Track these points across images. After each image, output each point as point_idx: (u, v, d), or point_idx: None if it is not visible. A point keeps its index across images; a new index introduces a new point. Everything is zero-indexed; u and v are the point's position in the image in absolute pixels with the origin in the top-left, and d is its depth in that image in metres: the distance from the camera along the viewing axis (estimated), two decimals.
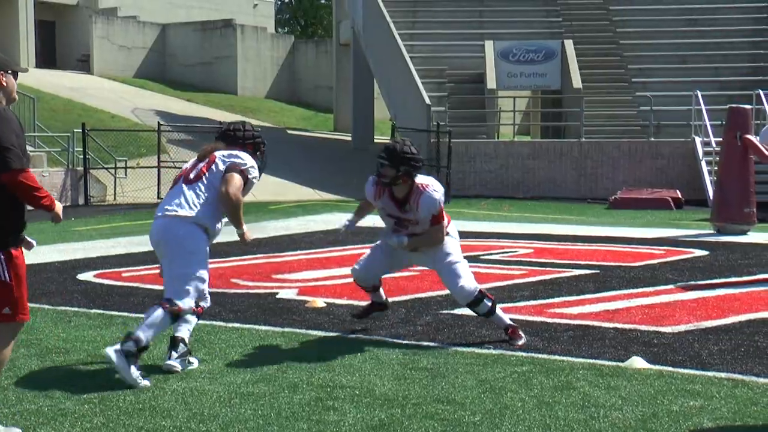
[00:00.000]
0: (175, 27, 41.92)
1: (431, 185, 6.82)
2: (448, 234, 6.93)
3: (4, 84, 4.76)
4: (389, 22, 27.00)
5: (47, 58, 39.84)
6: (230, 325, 7.51)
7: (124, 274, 10.18)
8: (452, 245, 6.93)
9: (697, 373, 5.97)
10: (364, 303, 8.34)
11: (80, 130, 22.29)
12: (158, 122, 24.07)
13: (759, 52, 28.35)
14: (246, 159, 6.54)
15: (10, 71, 4.80)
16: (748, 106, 15.17)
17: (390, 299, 8.47)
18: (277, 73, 43.26)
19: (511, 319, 7.03)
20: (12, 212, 4.72)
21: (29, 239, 4.89)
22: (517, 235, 14.15)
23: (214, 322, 7.60)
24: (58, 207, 4.91)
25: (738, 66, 27.77)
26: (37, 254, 11.82)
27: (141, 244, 13.13)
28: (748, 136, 14.34)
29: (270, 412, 5.14)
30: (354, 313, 7.54)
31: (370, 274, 7.09)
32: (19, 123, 4.80)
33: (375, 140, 33.15)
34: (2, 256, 4.66)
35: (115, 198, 22.05)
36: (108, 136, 24.17)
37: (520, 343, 6.73)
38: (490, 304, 6.78)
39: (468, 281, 6.74)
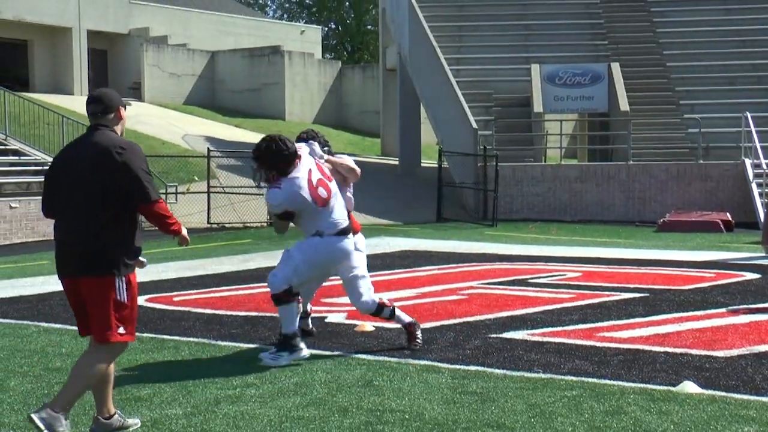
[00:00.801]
0: (223, 54, 42.38)
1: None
2: (356, 246, 7.32)
3: (123, 117, 5.34)
4: (435, 46, 27.07)
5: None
6: None
7: (175, 299, 10.27)
8: (360, 259, 7.32)
9: (752, 398, 5.87)
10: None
11: None
12: (208, 148, 24.32)
13: None
14: None
15: (124, 106, 5.35)
16: None
17: (439, 323, 8.48)
18: (324, 99, 43.52)
19: (560, 344, 6.97)
20: (134, 238, 5.21)
21: (141, 258, 5.31)
22: (566, 258, 14.06)
23: (265, 346, 7.62)
24: (184, 231, 5.46)
25: None
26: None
27: (191, 268, 13.26)
28: None
29: None
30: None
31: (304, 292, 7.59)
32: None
33: (422, 164, 33.17)
34: (124, 279, 5.11)
35: None
36: (159, 162, 24.47)
37: (418, 336, 7.37)
38: (390, 310, 7.32)
39: (369, 295, 7.25)
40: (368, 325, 8.35)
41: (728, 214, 21.17)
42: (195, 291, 10.83)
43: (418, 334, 7.46)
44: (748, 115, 22.96)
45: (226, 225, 21.65)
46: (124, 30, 40.67)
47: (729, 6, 30.66)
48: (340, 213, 7.09)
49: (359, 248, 7.42)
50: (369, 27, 61.85)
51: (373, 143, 40.04)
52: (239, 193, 22.89)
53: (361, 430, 5.23)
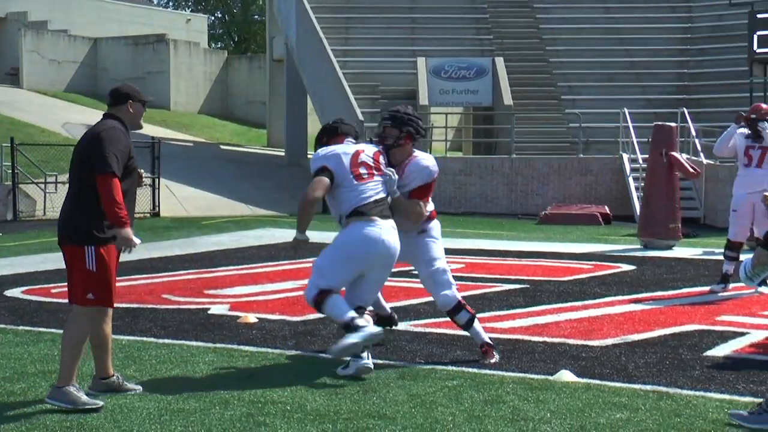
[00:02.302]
0: (106, 41, 41.43)
1: (427, 156, 6.75)
2: (429, 233, 6.74)
3: (134, 111, 5.79)
4: (322, 38, 27.02)
5: None
6: (161, 341, 7.42)
7: (53, 290, 10.01)
8: (439, 249, 6.77)
9: (624, 385, 6.06)
10: (297, 318, 8.33)
11: (9, 144, 21.89)
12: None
13: (684, 71, 29.00)
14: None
15: (138, 101, 5.81)
16: (673, 124, 15.49)
17: (323, 315, 8.46)
18: (210, 89, 42.98)
19: (441, 334, 7.04)
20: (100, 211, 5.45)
21: (136, 239, 5.52)
22: (449, 250, 14.15)
23: (145, 338, 7.50)
24: (128, 233, 5.49)
25: (664, 84, 28.37)
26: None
27: (60, 260, 12.91)
28: (674, 153, 14.67)
29: (201, 429, 5.09)
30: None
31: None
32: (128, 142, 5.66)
33: (308, 155, 33.09)
34: (94, 249, 5.47)
35: (44, 213, 21.67)
36: (38, 151, 23.78)
37: (492, 361, 6.60)
38: (468, 315, 6.69)
39: (451, 291, 6.69)
40: (251, 317, 8.30)
41: (606, 208, 21.76)
42: None
43: (494, 352, 6.73)
44: (626, 111, 23.63)
45: None
46: (1, 13, 39.40)
47: (610, 5, 31.50)
48: (373, 194, 6.40)
49: (435, 236, 6.80)
50: (256, 17, 61.31)
51: (260, 134, 39.75)
52: None
53: (243, 422, 5.20)
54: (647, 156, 16.36)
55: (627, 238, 16.82)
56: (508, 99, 25.52)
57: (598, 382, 6.14)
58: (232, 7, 63.21)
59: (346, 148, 6.55)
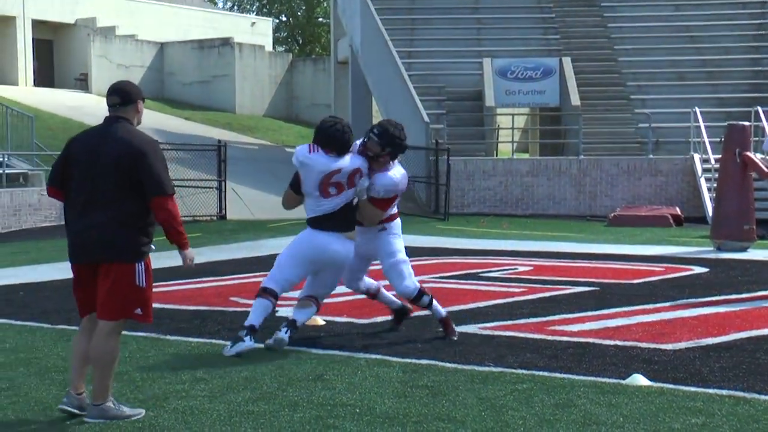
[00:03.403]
0: (173, 45, 42.03)
1: (399, 172, 7.27)
2: (390, 230, 7.38)
3: (141, 110, 5.64)
4: (387, 39, 27.07)
5: (45, 77, 39.91)
6: (229, 343, 7.49)
7: None
8: (398, 244, 7.41)
9: (699, 390, 5.97)
10: (364, 320, 8.37)
11: None
12: (156, 140, 24.09)
13: (758, 68, 28.44)
14: None
15: (142, 99, 5.65)
16: (746, 123, 15.22)
17: (390, 317, 8.49)
18: (275, 92, 43.33)
19: (511, 337, 7.04)
20: (151, 226, 5.49)
21: (151, 245, 5.53)
22: (517, 252, 14.16)
23: (214, 341, 7.60)
24: (191, 252, 5.65)
25: (737, 83, 27.84)
26: (36, 272, 11.85)
27: None
28: (747, 153, 14.42)
29: (270, 431, 5.14)
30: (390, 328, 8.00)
31: (351, 282, 7.70)
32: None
33: None
34: (143, 264, 5.42)
35: None
36: None
37: (454, 338, 7.42)
38: (429, 297, 7.47)
39: (411, 281, 7.38)
40: (319, 319, 8.35)
41: (677, 209, 21.45)
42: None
43: (453, 327, 7.60)
44: (697, 110, 23.27)
45: None
46: (71, 20, 40.18)
47: (679, 2, 31.05)
48: (332, 208, 7.12)
49: (396, 232, 7.43)
50: (320, 19, 61.66)
51: None
52: (189, 186, 22.71)
53: (312, 425, 5.24)
54: (719, 156, 16.09)
55: (699, 240, 16.56)
56: (575, 99, 25.28)
57: (671, 386, 6.06)
58: (296, 9, 63.67)
59: (328, 164, 7.01)
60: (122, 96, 5.54)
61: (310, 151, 7.07)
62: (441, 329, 7.59)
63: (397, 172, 7.24)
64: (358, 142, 7.27)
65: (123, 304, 5.39)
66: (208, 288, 10.60)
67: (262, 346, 7.13)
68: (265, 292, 7.16)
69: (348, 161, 7.08)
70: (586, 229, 19.25)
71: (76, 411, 5.41)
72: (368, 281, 7.78)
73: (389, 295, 7.87)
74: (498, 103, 26.34)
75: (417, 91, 25.18)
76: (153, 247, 5.52)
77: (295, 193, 7.24)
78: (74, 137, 5.63)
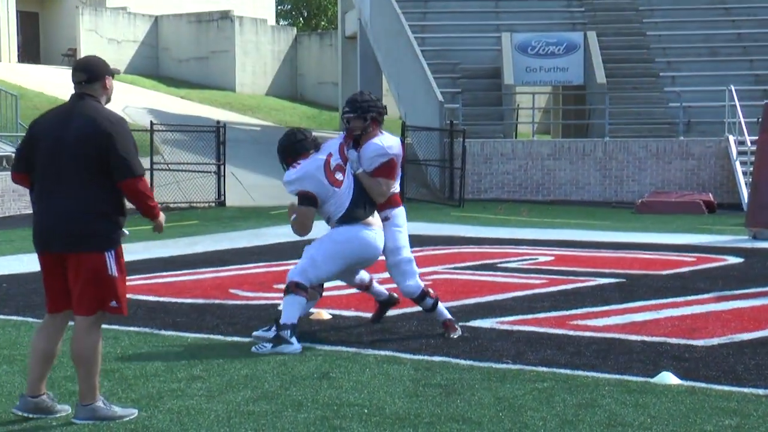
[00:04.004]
0: (168, 19, 42.02)
1: (385, 138, 7.42)
2: (394, 221, 7.37)
3: (109, 86, 5.52)
4: (399, 13, 27.03)
5: (30, 53, 39.96)
6: (229, 339, 7.53)
7: None
8: (403, 238, 7.41)
9: (733, 389, 5.97)
10: (371, 314, 8.37)
11: None
12: (151, 121, 24.15)
13: None
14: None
15: (111, 75, 5.56)
16: None
17: (401, 311, 8.50)
18: (278, 69, 43.31)
19: (530, 332, 7.05)
20: (121, 212, 5.41)
21: (124, 230, 5.47)
22: (537, 241, 14.15)
23: (212, 336, 7.62)
24: (162, 217, 5.59)
25: None
26: (22, 263, 11.89)
27: (133, 251, 13.14)
28: None
29: None
30: (371, 319, 8.04)
31: (347, 276, 7.70)
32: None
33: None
34: (114, 253, 5.34)
35: None
36: None
37: (455, 335, 7.40)
38: (432, 300, 7.46)
39: (415, 281, 7.39)
40: (325, 313, 8.37)
41: (710, 195, 21.42)
42: (137, 276, 10.76)
43: (456, 326, 7.57)
44: (732, 88, 23.19)
45: (171, 205, 21.53)
46: None
47: None
48: (358, 200, 7.26)
49: (399, 224, 7.44)
50: None
51: (331, 117, 39.95)
52: (185, 171, 22.77)
53: (317, 426, 5.25)
54: (756, 138, 16.03)
55: (734, 228, 16.53)
56: (601, 77, 25.22)
57: (703, 385, 6.06)
58: None
59: (317, 163, 7.21)
60: (88, 72, 5.47)
61: (293, 167, 7.26)
62: (443, 331, 7.52)
63: (383, 139, 7.37)
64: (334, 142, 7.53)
65: (97, 297, 5.35)
66: (206, 279, 10.62)
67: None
68: (298, 288, 7.15)
69: (329, 145, 7.45)
70: (611, 217, 19.23)
71: (31, 415, 5.38)
72: (362, 273, 7.79)
73: (380, 287, 7.95)
74: (517, 81, 26.29)
75: (430, 68, 25.15)
76: (126, 232, 5.47)
77: (315, 207, 7.23)
78: (37, 118, 5.59)
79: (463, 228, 16.39)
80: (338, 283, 10.16)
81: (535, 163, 23.72)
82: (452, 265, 11.49)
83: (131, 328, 7.87)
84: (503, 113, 26.27)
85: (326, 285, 9.80)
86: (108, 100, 5.56)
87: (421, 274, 10.61)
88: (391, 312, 8.42)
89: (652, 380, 6.14)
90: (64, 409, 5.51)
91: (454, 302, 8.95)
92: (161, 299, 9.28)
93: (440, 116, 23.86)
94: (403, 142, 24.11)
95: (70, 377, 6.29)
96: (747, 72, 26.93)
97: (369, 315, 8.38)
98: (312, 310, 8.59)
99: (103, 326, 7.94)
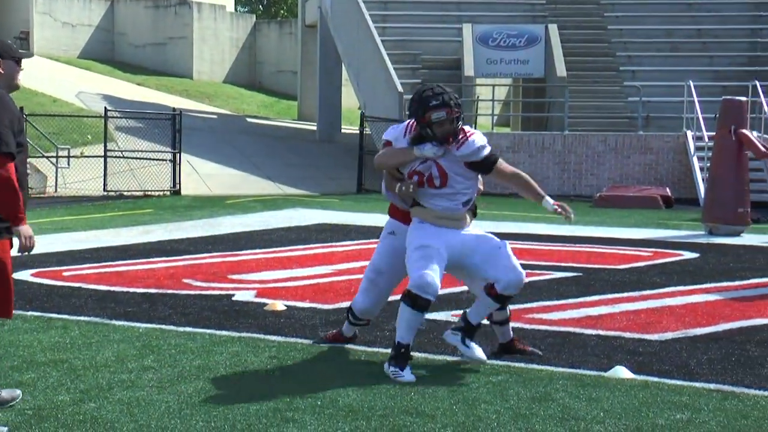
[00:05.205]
0: (124, 3, 41.66)
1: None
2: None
3: (3, 71, 5.17)
4: (360, 2, 26.98)
5: None
6: (181, 329, 7.49)
7: (65, 273, 10.13)
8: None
9: (685, 384, 6.04)
10: (328, 306, 8.36)
11: None
12: (105, 107, 23.95)
13: (756, 40, 28.62)
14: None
15: (10, 58, 5.20)
16: (743, 98, 15.33)
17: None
18: (236, 56, 43.11)
19: (485, 325, 7.04)
20: None
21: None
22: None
23: (164, 326, 7.57)
24: (27, 230, 5.18)
25: (734, 55, 28.03)
26: None
27: (84, 240, 13.08)
28: (744, 130, 14.53)
29: (224, 425, 5.14)
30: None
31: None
32: (20, 111, 5.12)
33: (342, 130, 33.15)
34: None
35: (56, 190, 21.92)
36: (49, 122, 24.03)
37: (531, 349, 6.75)
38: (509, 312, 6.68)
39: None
40: (279, 304, 8.35)
41: (668, 190, 21.61)
42: (88, 265, 10.69)
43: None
44: (691, 83, 23.40)
45: (125, 193, 21.38)
46: None
47: None
48: None
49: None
50: None
51: (290, 106, 39.86)
52: (140, 158, 22.62)
53: (269, 418, 5.24)
54: (714, 133, 16.20)
55: (690, 223, 16.70)
56: (561, 70, 25.36)
57: (656, 379, 6.12)
58: None
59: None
60: None
61: (469, 134, 6.35)
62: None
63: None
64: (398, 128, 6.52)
65: None
66: (159, 269, 10.56)
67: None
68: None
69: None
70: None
71: None
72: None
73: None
74: (478, 72, 26.36)
75: (391, 59, 25.14)
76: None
77: None
78: None
79: None
80: (295, 274, 10.19)
81: None
82: None
83: (81, 318, 7.82)
84: (463, 105, 26.25)
85: (285, 276, 9.80)
86: (10, 88, 5.23)
87: None
88: (346, 303, 8.43)
89: (605, 374, 6.20)
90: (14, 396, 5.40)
91: None
92: (112, 288, 9.21)
93: (400, 107, 23.85)
94: (361, 132, 24.23)
95: (16, 367, 6.24)
96: (706, 68, 27.20)
97: (324, 307, 8.38)
98: (266, 300, 8.59)
99: (52, 315, 7.93)
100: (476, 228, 6.53)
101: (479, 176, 6.47)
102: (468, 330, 6.34)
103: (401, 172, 6.40)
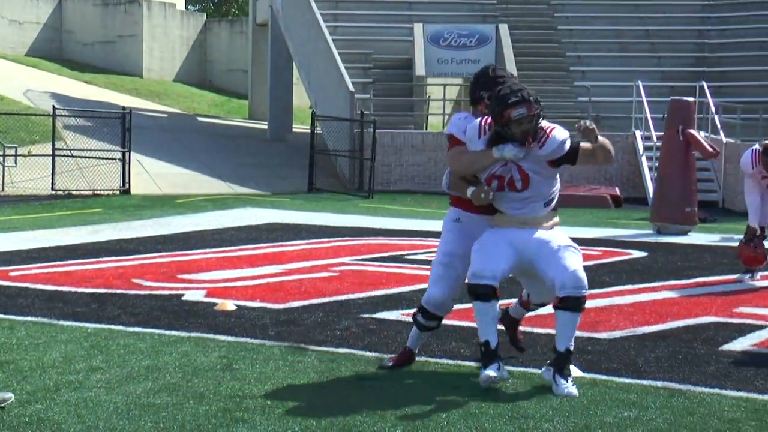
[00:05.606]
0: (72, 1, 41.20)
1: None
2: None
3: None
4: (311, 1, 26.93)
5: None
6: (130, 329, 7.43)
7: (11, 273, 10.01)
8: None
9: (633, 381, 6.10)
10: (279, 306, 8.34)
11: None
12: (53, 106, 23.66)
13: (704, 41, 28.97)
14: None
15: None
16: (690, 99, 15.52)
17: (307, 302, 8.50)
18: (186, 55, 42.81)
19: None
20: None
21: None
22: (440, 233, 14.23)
23: (113, 326, 7.51)
24: None
25: (681, 55, 28.35)
26: None
27: (32, 239, 12.92)
28: (691, 131, 14.70)
29: (173, 425, 5.11)
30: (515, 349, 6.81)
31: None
32: None
33: (294, 129, 33.04)
34: None
35: (3, 189, 21.63)
36: None
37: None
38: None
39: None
40: (229, 304, 8.31)
41: (617, 189, 21.81)
42: (35, 265, 10.57)
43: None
44: (640, 84, 23.64)
45: (73, 192, 21.15)
46: None
47: None
48: None
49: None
50: None
51: (240, 105, 39.66)
52: (89, 157, 22.37)
53: (218, 419, 5.22)
54: (662, 134, 16.37)
55: (639, 222, 16.86)
56: (512, 69, 25.45)
57: (605, 377, 6.18)
58: None
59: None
60: None
61: (550, 130, 6.21)
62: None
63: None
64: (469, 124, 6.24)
65: None
66: (109, 269, 10.47)
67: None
68: None
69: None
70: None
71: None
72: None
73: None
74: (429, 72, 26.41)
75: (342, 58, 25.11)
76: None
77: None
78: None
79: (372, 219, 16.42)
80: (245, 274, 10.15)
81: (445, 154, 23.79)
82: (360, 257, 11.51)
83: (28, 318, 7.73)
84: (414, 104, 26.37)
85: (236, 275, 9.78)
86: None
87: (329, 266, 10.71)
88: (297, 303, 8.45)
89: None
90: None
91: (361, 293, 8.98)
92: (60, 288, 9.12)
93: (351, 106, 23.84)
94: (312, 131, 24.19)
95: None
96: (654, 68, 27.50)
97: (275, 306, 8.36)
98: (216, 300, 8.55)
99: (4, 315, 7.83)
100: (557, 230, 6.15)
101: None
102: (559, 360, 5.89)
103: (477, 176, 6.10)
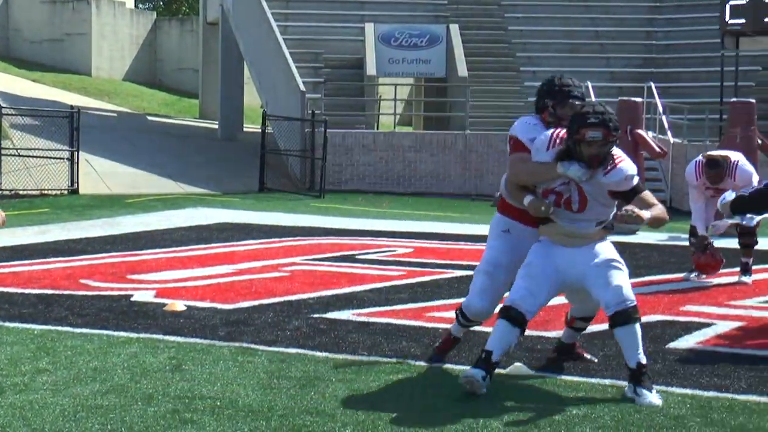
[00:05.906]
0: None
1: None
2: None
3: None
4: (261, 0, 26.84)
5: None
6: (78, 330, 7.36)
7: None
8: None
9: (581, 379, 6.15)
10: (229, 306, 8.30)
11: None
12: None
13: (652, 42, 29.28)
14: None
15: None
16: (638, 99, 15.67)
17: (257, 302, 8.48)
18: (136, 54, 42.49)
19: (387, 324, 7.08)
20: None
21: None
22: (397, 233, 14.27)
23: (60, 328, 7.43)
24: None
25: (630, 56, 28.63)
26: None
27: None
28: (639, 131, 14.85)
29: (121, 427, 5.07)
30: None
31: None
32: None
33: (244, 129, 32.91)
34: None
35: None
36: None
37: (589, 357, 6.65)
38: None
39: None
40: (179, 304, 8.26)
41: None
42: None
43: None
44: (590, 84, 23.82)
45: (20, 192, 20.90)
46: None
47: None
48: None
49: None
50: None
51: (191, 104, 39.43)
52: (36, 156, 22.10)
53: (167, 420, 5.19)
54: None
55: None
56: (462, 70, 25.59)
57: (554, 376, 6.22)
58: None
59: None
60: None
61: (620, 160, 6.04)
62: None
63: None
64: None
65: None
66: (56, 269, 10.36)
67: None
68: None
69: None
70: (470, 209, 19.53)
71: None
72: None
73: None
74: (380, 72, 26.43)
75: (293, 57, 25.05)
76: None
77: None
78: None
79: (323, 219, 16.40)
80: (195, 274, 10.09)
81: (396, 154, 23.88)
82: (311, 257, 11.49)
83: None
84: (365, 104, 26.37)
85: (186, 275, 9.72)
86: None
87: (280, 265, 10.68)
88: (246, 303, 8.42)
89: (504, 371, 6.26)
90: None
91: (312, 293, 8.97)
92: (6, 289, 9.00)
93: (302, 106, 23.79)
94: (263, 131, 24.10)
95: None
96: (604, 69, 27.74)
97: (224, 307, 8.32)
98: (165, 300, 8.49)
99: None
100: (605, 243, 6.04)
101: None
102: (634, 376, 5.77)
103: (535, 186, 6.01)
